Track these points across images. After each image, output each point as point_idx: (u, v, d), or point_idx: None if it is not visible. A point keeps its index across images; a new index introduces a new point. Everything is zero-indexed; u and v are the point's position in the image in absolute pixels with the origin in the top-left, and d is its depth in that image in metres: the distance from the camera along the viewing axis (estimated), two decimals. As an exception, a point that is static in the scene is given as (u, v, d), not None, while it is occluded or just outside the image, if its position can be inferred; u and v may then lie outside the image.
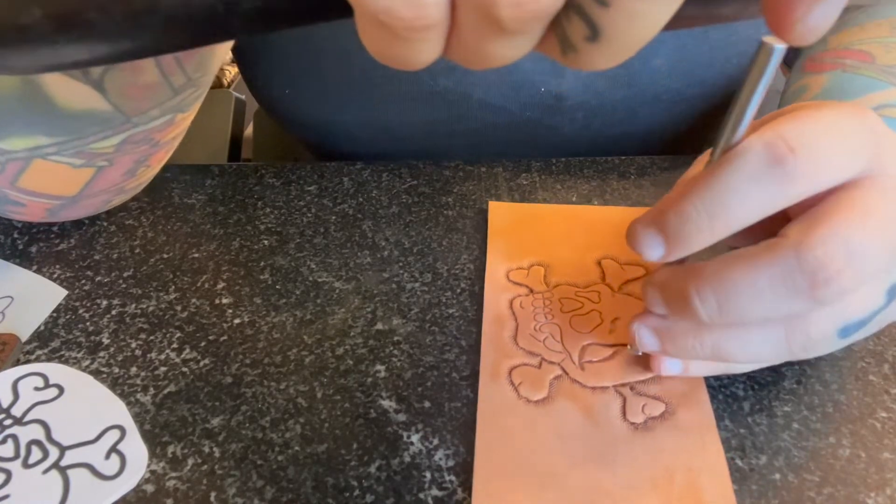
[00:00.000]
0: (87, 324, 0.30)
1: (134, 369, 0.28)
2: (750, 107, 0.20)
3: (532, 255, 0.32)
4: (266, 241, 0.34)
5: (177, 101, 0.29)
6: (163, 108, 0.29)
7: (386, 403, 0.26)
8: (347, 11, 0.15)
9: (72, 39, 0.16)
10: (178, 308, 0.31)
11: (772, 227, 0.21)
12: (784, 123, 0.20)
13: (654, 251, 0.22)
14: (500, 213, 0.35)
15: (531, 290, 0.31)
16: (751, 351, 0.22)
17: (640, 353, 0.27)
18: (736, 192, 0.20)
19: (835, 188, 0.21)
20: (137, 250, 0.34)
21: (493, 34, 0.15)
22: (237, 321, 0.30)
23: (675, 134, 0.45)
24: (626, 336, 0.28)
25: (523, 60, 0.39)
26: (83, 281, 0.32)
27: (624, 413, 0.25)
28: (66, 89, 0.26)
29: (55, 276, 0.33)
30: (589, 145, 0.44)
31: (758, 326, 0.22)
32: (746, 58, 0.41)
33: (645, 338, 0.24)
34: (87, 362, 0.28)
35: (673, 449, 0.24)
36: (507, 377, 0.27)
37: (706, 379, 0.26)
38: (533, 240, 0.33)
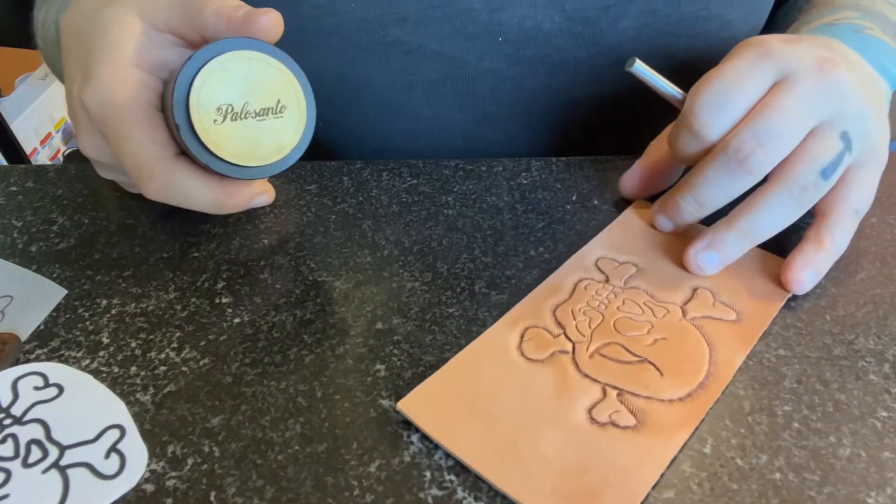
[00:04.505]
0: (87, 323, 0.30)
1: (134, 369, 0.28)
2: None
3: (634, 254, 0.32)
4: (266, 241, 0.34)
5: None
6: None
7: (386, 403, 0.26)
8: None
9: None
10: (178, 307, 0.31)
11: None
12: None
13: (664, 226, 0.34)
14: (636, 210, 0.35)
15: (607, 279, 0.31)
16: (772, 218, 0.30)
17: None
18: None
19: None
20: (137, 249, 0.34)
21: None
22: (237, 320, 0.30)
23: (644, 104, 0.41)
24: (660, 359, 0.27)
25: (480, 9, 0.39)
26: (83, 280, 0.32)
27: (591, 408, 0.25)
28: None
29: (55, 275, 0.33)
30: (553, 106, 0.44)
31: (774, 194, 0.29)
32: (714, 37, 0.41)
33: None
34: (87, 362, 0.28)
35: (608, 456, 0.24)
36: (520, 330, 0.28)
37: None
38: (646, 242, 0.33)
